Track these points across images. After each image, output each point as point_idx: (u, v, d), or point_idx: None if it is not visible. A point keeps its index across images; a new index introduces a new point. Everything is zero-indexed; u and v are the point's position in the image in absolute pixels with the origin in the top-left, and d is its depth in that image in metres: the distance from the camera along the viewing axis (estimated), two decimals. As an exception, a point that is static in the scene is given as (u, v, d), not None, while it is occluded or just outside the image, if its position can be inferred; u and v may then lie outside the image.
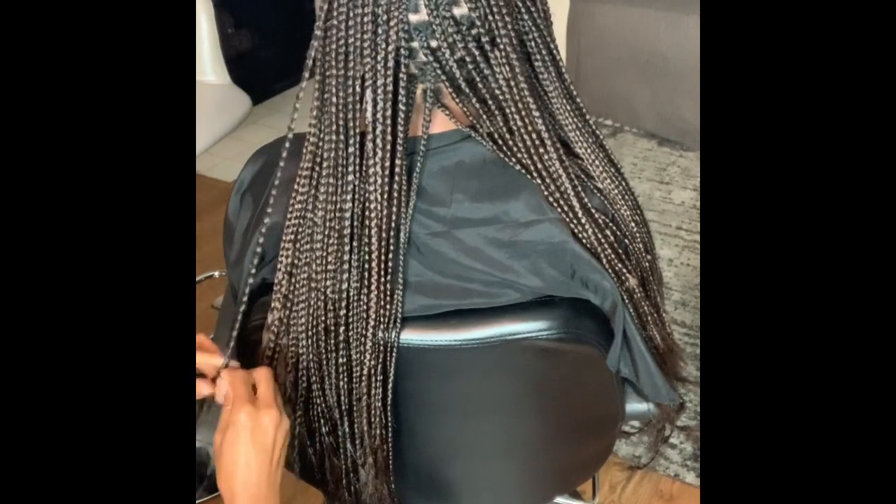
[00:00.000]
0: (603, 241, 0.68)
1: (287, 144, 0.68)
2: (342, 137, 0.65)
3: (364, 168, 0.65)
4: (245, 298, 0.70)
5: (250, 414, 0.65)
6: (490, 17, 0.63)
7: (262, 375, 0.69)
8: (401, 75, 0.64)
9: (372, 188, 0.65)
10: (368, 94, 0.64)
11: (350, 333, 0.69)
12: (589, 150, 0.71)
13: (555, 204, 0.67)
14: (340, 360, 0.70)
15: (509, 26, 0.64)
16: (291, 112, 0.67)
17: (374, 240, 0.66)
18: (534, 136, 0.66)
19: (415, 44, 0.64)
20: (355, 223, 0.66)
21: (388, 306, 0.68)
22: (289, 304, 0.70)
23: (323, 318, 0.69)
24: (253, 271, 0.70)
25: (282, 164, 0.69)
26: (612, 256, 0.68)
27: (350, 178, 0.65)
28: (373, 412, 0.71)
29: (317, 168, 0.66)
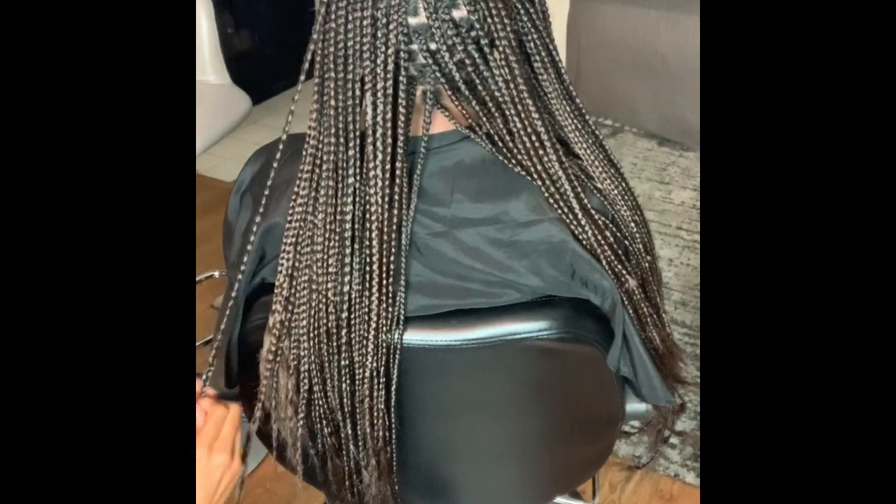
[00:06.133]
0: (602, 242, 0.68)
1: (281, 147, 0.68)
2: (342, 140, 0.65)
3: (364, 170, 0.65)
4: (235, 296, 0.71)
5: (203, 455, 0.70)
6: (489, 19, 0.63)
7: (231, 415, 0.73)
8: (400, 78, 0.64)
9: (373, 190, 0.65)
10: (368, 96, 0.64)
11: (352, 336, 0.69)
12: (589, 151, 0.71)
13: (555, 205, 0.67)
14: (343, 362, 0.70)
15: (508, 28, 0.64)
16: (287, 115, 0.67)
17: (374, 242, 0.66)
18: (533, 137, 0.66)
19: (414, 46, 0.64)
20: (356, 225, 0.66)
21: (389, 308, 0.67)
22: (290, 307, 0.70)
23: (325, 321, 0.69)
24: (241, 274, 0.71)
25: (275, 164, 0.68)
26: (612, 258, 0.68)
27: (350, 180, 0.65)
28: (375, 414, 0.71)
29: (317, 170, 0.66)
